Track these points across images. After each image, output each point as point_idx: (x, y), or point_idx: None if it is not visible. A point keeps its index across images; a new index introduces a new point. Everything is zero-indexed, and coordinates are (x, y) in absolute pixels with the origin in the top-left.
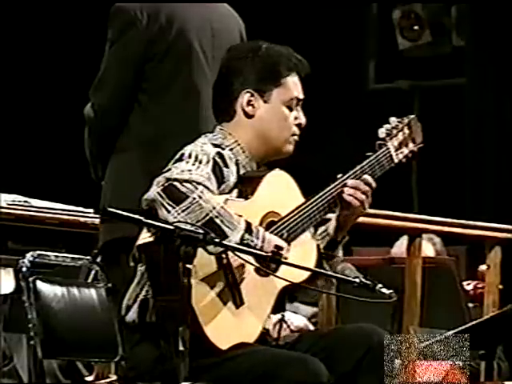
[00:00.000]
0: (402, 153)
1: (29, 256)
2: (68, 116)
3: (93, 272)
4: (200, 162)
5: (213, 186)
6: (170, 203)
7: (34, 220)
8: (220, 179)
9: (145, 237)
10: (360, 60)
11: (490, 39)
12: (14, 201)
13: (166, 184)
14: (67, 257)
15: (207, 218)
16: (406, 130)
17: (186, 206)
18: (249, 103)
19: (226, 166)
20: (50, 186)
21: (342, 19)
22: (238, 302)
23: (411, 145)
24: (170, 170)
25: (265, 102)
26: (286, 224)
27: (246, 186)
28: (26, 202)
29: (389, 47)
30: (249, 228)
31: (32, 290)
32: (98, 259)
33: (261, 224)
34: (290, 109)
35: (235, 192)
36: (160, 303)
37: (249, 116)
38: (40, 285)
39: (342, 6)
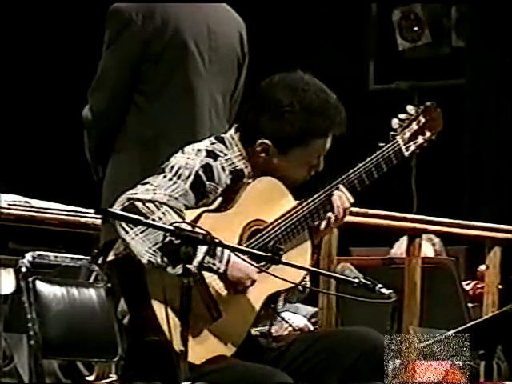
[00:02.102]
0: (415, 143)
1: (28, 256)
2: (68, 116)
3: (94, 272)
4: (179, 178)
5: (187, 202)
6: (128, 224)
7: (34, 220)
8: (200, 194)
9: (115, 253)
10: (360, 60)
11: (489, 40)
12: (14, 201)
13: (127, 204)
14: (67, 257)
15: (166, 240)
16: (422, 119)
17: (144, 228)
18: (263, 150)
19: (212, 179)
20: (50, 185)
21: (342, 19)
22: (215, 315)
23: (428, 133)
24: (135, 187)
25: (280, 154)
26: (272, 232)
27: (229, 194)
28: (26, 202)
29: (389, 48)
30: (212, 250)
31: (32, 290)
32: (100, 260)
33: (242, 234)
34: (309, 162)
35: (218, 201)
36: (136, 317)
37: (260, 160)
38: (40, 285)
39: (342, 6)
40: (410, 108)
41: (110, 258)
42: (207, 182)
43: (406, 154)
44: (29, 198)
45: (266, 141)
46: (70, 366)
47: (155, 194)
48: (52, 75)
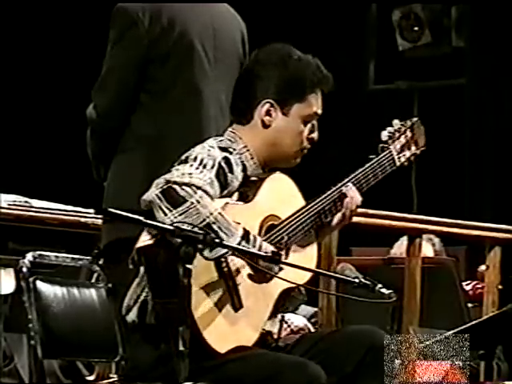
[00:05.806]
0: (404, 156)
1: (29, 256)
2: (68, 116)
3: (95, 272)
4: (204, 167)
5: (214, 191)
6: (168, 206)
7: (34, 220)
8: (223, 184)
9: (144, 239)
10: (360, 60)
11: (489, 40)
12: (14, 201)
13: (165, 186)
14: (68, 257)
15: (204, 223)
16: (409, 133)
17: (183, 210)
18: (267, 113)
19: (231, 171)
20: (50, 185)
21: (342, 19)
22: (237, 306)
23: (413, 148)
24: (170, 171)
25: (283, 114)
26: (286, 227)
27: (247, 188)
28: (26, 202)
29: (388, 48)
30: (246, 235)
31: (32, 290)
32: (101, 261)
33: (261, 227)
34: (306, 123)
35: (236, 195)
36: (158, 305)
37: (265, 126)
38: (40, 285)
39: (342, 7)
40: (395, 122)
41: (140, 244)
42: (229, 174)
43: (398, 164)
44: (29, 197)
45: (270, 99)
46: (71, 366)
47: (191, 177)
48: (53, 74)
